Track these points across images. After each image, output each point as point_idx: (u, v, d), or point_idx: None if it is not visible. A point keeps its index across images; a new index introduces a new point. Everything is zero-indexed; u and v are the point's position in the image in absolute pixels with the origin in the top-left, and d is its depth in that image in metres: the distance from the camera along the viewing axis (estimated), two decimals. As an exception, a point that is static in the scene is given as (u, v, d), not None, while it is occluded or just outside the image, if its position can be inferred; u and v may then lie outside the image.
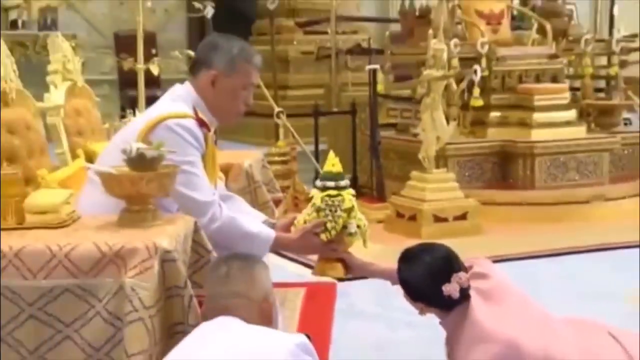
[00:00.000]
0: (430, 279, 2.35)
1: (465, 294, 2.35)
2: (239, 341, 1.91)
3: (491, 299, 2.38)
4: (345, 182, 2.67)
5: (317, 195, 2.65)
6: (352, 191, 2.68)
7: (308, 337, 2.12)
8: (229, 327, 1.95)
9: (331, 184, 2.64)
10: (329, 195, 2.62)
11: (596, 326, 2.42)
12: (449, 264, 2.37)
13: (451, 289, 2.31)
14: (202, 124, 2.51)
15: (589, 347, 2.28)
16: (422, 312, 2.46)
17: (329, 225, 2.60)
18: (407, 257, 2.46)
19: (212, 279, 2.09)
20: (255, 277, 2.09)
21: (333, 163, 2.70)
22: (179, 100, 2.61)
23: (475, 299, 2.35)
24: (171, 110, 2.54)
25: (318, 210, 2.61)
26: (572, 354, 2.25)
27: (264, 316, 2.05)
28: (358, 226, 2.65)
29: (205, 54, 2.67)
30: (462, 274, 2.34)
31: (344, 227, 2.61)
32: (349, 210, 2.61)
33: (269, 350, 1.88)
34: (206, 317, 2.02)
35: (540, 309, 2.42)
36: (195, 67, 2.68)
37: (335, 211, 2.60)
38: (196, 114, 2.53)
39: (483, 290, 2.40)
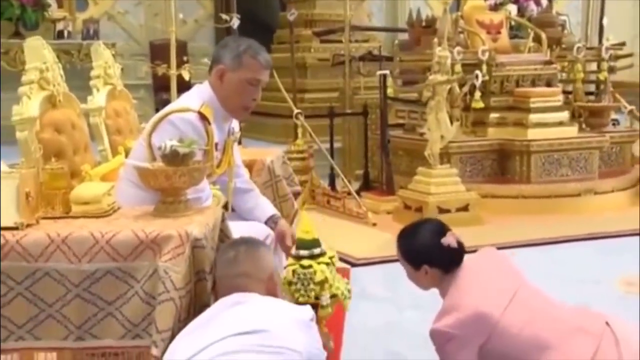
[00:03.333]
0: (429, 235, 2.40)
1: (461, 254, 2.38)
2: (266, 303, 1.96)
3: (481, 274, 2.38)
4: (319, 250, 2.39)
5: (290, 266, 2.39)
6: (327, 259, 2.40)
7: (315, 306, 2.18)
8: (248, 296, 1.98)
9: (305, 252, 2.38)
10: (302, 266, 2.36)
11: (594, 315, 2.36)
12: (443, 225, 2.44)
13: (449, 239, 2.37)
14: (202, 117, 2.45)
15: (581, 331, 2.23)
16: (424, 282, 2.40)
17: (300, 299, 2.33)
18: (406, 230, 2.47)
19: (221, 262, 2.09)
20: (260, 258, 2.10)
21: (307, 230, 2.41)
22: (192, 97, 2.62)
23: (466, 270, 2.37)
24: (175, 106, 2.56)
25: (290, 283, 2.36)
26: (560, 336, 2.21)
27: (270, 293, 2.06)
28: (334, 295, 2.39)
29: (217, 52, 2.67)
30: (455, 233, 2.40)
31: (317, 299, 2.35)
32: (322, 283, 2.35)
33: (294, 310, 1.94)
34: (218, 297, 2.04)
35: (537, 293, 2.39)
36: (211, 65, 2.69)
37: (308, 284, 2.34)
38: (200, 108, 2.47)
39: (477, 265, 2.42)
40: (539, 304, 2.33)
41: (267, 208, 2.92)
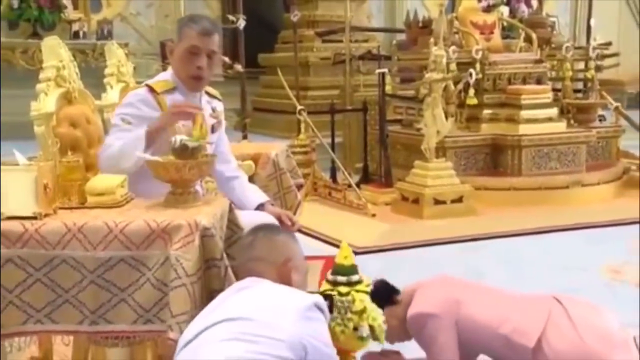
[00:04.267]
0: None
1: (385, 282, 2.43)
2: (267, 290, 1.91)
3: (434, 280, 2.48)
4: (357, 277, 2.19)
5: (326, 292, 2.16)
6: (365, 287, 2.18)
7: (329, 297, 2.06)
8: (257, 281, 1.94)
9: (343, 279, 2.19)
10: (340, 293, 2.15)
11: (542, 294, 2.44)
12: None
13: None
14: (151, 90, 2.55)
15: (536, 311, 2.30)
16: (395, 324, 2.35)
17: (337, 329, 2.10)
18: None
19: (240, 249, 2.08)
20: (276, 242, 2.04)
21: (346, 255, 2.22)
22: (154, 77, 2.71)
23: (417, 284, 2.45)
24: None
25: None
26: (515, 310, 2.29)
27: (284, 279, 1.97)
28: (371, 327, 2.14)
29: None
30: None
31: (355, 329, 2.12)
32: (360, 312, 2.12)
33: (293, 298, 1.85)
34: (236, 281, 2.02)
35: (488, 288, 2.51)
36: None
37: (345, 313, 2.11)
38: (155, 83, 2.59)
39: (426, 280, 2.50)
40: (492, 293, 2.42)
41: (254, 198, 2.81)
